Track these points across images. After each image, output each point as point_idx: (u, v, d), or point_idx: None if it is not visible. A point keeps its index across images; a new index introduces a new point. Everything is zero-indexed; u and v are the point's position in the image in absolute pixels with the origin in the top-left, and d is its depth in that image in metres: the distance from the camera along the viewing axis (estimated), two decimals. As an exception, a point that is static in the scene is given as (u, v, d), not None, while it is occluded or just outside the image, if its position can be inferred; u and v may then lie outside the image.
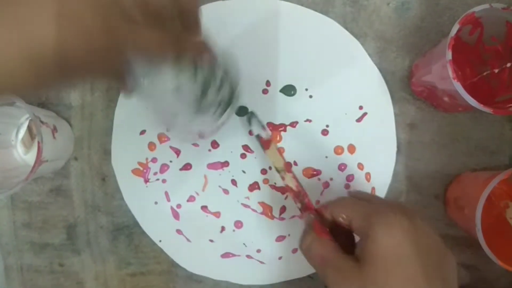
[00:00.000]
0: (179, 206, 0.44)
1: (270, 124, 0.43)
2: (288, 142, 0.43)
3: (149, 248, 0.44)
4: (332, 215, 0.32)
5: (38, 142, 0.36)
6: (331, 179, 0.43)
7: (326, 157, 0.43)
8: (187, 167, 0.44)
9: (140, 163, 0.44)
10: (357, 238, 0.32)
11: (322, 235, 0.31)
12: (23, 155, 0.44)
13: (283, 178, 0.38)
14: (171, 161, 0.44)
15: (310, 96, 0.43)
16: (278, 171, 0.38)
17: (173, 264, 0.44)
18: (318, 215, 0.34)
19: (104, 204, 0.44)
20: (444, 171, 0.43)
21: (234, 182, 0.43)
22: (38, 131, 0.36)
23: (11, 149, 0.44)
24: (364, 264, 0.28)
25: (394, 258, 0.27)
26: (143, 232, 0.44)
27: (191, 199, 0.44)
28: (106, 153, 0.44)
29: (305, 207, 0.36)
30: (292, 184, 0.37)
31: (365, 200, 0.33)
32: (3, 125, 0.43)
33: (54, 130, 0.40)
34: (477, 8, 0.34)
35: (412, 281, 0.27)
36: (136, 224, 0.44)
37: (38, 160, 0.36)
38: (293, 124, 0.43)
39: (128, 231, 0.44)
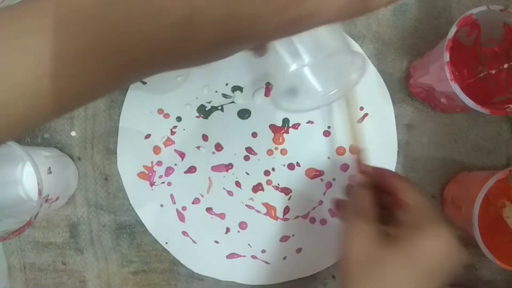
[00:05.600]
0: (184, 208, 0.44)
1: (272, 126, 0.44)
2: (291, 143, 0.44)
3: (151, 246, 0.44)
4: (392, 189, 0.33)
5: (38, 183, 0.36)
6: (334, 179, 0.44)
7: (329, 157, 0.44)
8: (191, 170, 0.44)
9: (145, 167, 0.44)
10: None
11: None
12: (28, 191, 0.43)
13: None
14: (176, 164, 0.44)
15: (312, 98, 0.44)
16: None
17: (175, 263, 0.44)
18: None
19: (107, 203, 0.45)
20: (441, 171, 0.44)
21: (238, 184, 0.44)
22: (36, 173, 0.35)
23: (16, 185, 0.43)
24: (397, 246, 0.29)
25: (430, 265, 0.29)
26: (145, 231, 0.44)
27: (196, 201, 0.44)
28: (109, 152, 0.44)
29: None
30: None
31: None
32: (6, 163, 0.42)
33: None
34: (474, 10, 0.35)
35: None
36: (139, 222, 0.44)
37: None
38: (296, 126, 0.44)
39: (130, 229, 0.45)
